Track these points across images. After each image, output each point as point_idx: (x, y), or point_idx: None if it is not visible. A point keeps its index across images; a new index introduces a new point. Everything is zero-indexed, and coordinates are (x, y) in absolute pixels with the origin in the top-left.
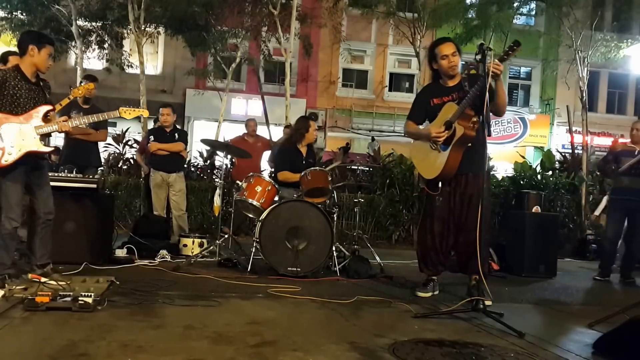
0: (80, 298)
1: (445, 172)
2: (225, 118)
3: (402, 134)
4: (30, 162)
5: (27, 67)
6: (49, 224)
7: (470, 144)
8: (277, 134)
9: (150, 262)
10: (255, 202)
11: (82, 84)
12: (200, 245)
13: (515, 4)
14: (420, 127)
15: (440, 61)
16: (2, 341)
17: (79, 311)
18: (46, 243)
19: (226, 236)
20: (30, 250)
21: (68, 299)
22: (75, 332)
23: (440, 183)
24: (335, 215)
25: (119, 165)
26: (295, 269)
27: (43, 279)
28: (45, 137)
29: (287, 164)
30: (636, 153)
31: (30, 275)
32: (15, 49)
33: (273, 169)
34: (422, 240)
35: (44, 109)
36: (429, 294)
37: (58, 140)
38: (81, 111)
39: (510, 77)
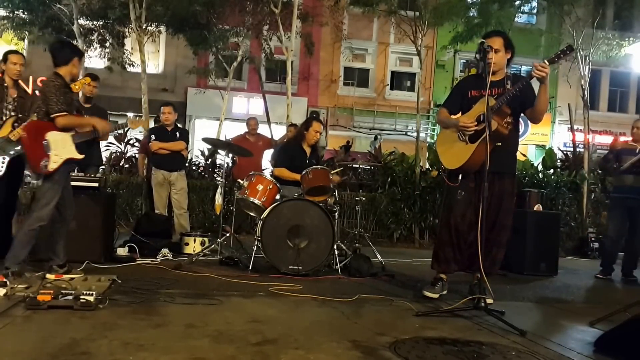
0: (81, 296)
1: (468, 164)
2: (227, 117)
3: (404, 133)
4: (70, 167)
5: (67, 76)
6: (69, 224)
7: (499, 143)
8: (278, 132)
9: (151, 261)
10: (256, 201)
11: (79, 79)
12: (202, 243)
13: (516, 2)
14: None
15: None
16: (4, 339)
17: (81, 310)
18: (65, 243)
19: (227, 235)
20: (54, 251)
21: (70, 297)
22: (77, 330)
23: (460, 176)
24: (336, 214)
25: (121, 164)
26: (296, 267)
27: (66, 276)
28: None
29: (287, 161)
30: (637, 151)
31: (53, 276)
32: (15, 47)
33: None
34: (439, 234)
35: None
36: (437, 295)
37: None
38: (82, 110)
39: None
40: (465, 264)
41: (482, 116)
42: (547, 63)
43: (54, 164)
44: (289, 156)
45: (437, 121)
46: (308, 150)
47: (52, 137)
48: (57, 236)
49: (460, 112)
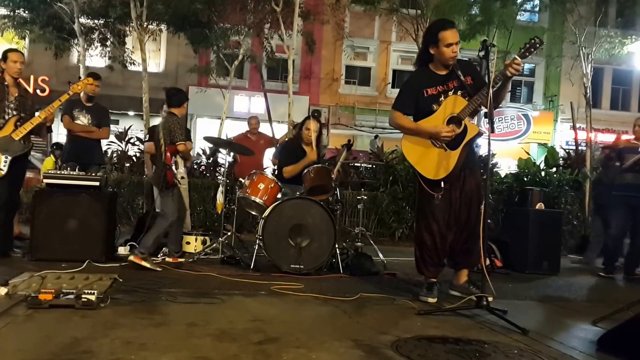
0: (83, 295)
1: (453, 172)
2: (228, 115)
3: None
4: None
5: (178, 115)
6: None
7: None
8: (279, 131)
9: (153, 260)
10: (258, 200)
11: (80, 80)
12: (203, 242)
13: (518, 0)
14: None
15: (442, 48)
16: (5, 338)
17: (82, 309)
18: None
19: (229, 234)
20: (172, 243)
21: (71, 296)
22: (79, 329)
23: (442, 182)
24: (338, 213)
25: (122, 163)
26: (298, 266)
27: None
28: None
29: (292, 159)
30: (639, 150)
31: (171, 259)
32: (16, 46)
33: (276, 166)
34: (420, 240)
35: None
36: (435, 299)
37: (60, 137)
38: (84, 109)
39: None
40: (450, 263)
41: (456, 119)
42: (519, 59)
43: (179, 177)
44: (291, 155)
45: (392, 125)
46: (308, 149)
47: (178, 159)
48: (175, 231)
49: (415, 113)
